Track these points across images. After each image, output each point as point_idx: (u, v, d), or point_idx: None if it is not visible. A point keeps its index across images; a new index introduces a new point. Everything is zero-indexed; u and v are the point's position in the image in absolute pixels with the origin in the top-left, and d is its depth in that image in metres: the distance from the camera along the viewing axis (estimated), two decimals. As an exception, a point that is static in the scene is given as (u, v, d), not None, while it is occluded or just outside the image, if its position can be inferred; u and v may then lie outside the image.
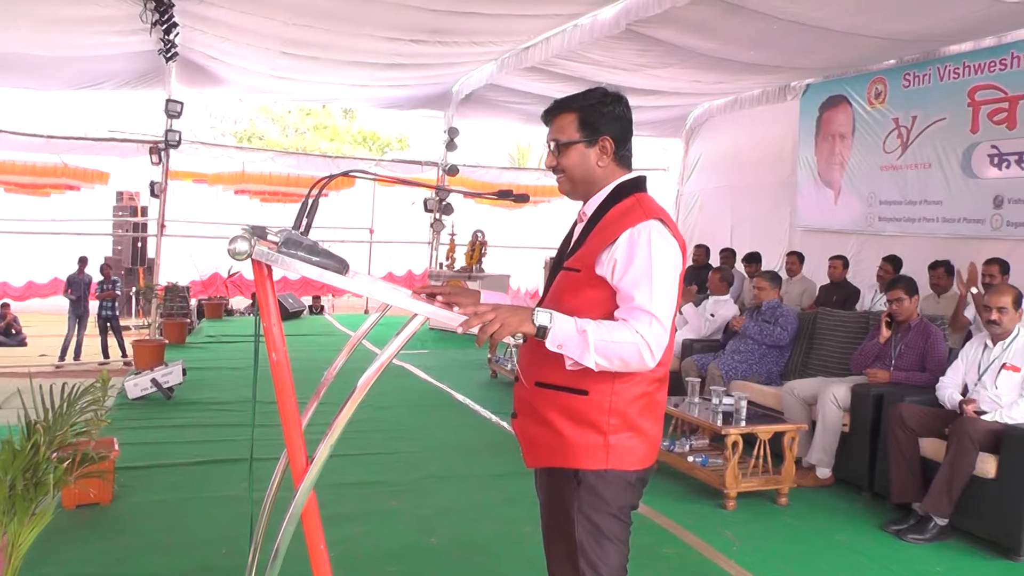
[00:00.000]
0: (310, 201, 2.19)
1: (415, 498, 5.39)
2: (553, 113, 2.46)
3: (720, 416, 5.54)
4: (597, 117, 2.39)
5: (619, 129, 2.41)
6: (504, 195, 2.42)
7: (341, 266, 2.09)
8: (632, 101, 2.51)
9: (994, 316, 5.16)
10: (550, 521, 2.52)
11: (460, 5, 8.79)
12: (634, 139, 2.48)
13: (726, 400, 5.66)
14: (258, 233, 2.13)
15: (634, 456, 2.35)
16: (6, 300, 16.10)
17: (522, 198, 2.41)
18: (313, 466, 2.10)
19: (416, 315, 2.12)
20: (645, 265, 2.21)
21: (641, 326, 2.16)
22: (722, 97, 13.92)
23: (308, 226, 2.16)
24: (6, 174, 14.69)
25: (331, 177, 2.20)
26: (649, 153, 17.24)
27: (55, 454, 2.82)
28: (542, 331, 2.16)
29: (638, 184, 2.43)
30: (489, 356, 9.87)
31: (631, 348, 2.15)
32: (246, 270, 16.43)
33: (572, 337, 2.16)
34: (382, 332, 2.63)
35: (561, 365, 2.24)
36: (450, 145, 15.56)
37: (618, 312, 2.23)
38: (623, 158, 2.44)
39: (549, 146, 2.46)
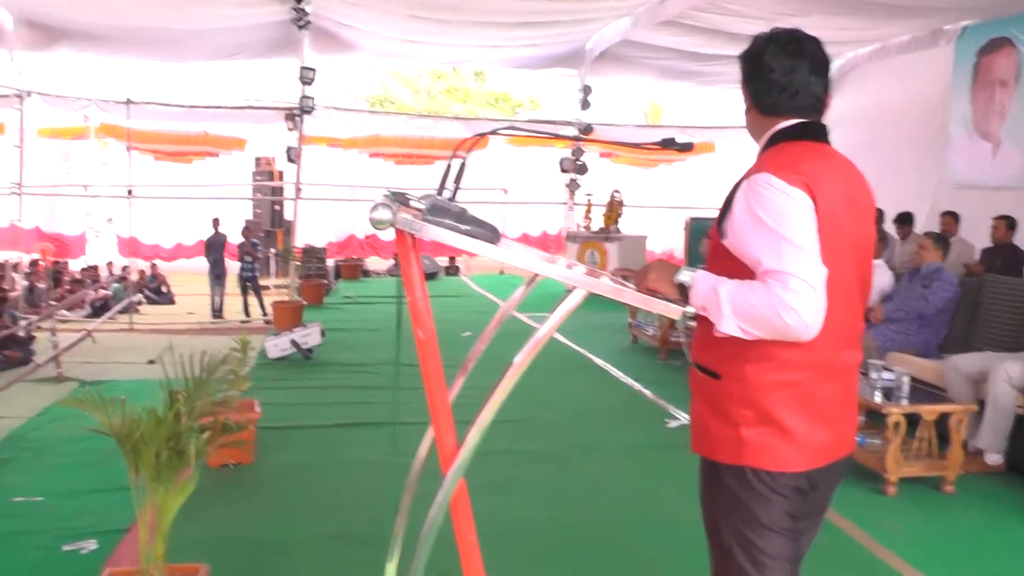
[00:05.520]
0: (455, 163, 2.02)
1: (559, 469, 5.25)
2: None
3: (879, 392, 5.14)
4: (741, 67, 2.20)
5: (750, 73, 2.17)
6: (668, 144, 2.17)
7: (492, 235, 1.92)
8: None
9: None
10: (705, 516, 2.27)
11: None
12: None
13: (885, 375, 5.24)
14: (400, 200, 1.98)
15: (777, 457, 2.04)
16: (155, 261, 16.83)
17: (686, 146, 2.16)
18: (462, 451, 1.96)
19: (575, 288, 1.93)
20: (760, 222, 1.94)
21: (778, 286, 1.86)
22: (868, 45, 13.10)
23: (454, 191, 1.98)
24: (152, 143, 15.51)
25: (480, 136, 2.03)
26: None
27: (196, 423, 2.81)
28: (682, 289, 1.98)
29: (789, 132, 2.14)
30: (629, 320, 9.62)
31: (768, 310, 1.85)
32: (384, 232, 16.65)
33: (710, 296, 1.94)
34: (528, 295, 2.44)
35: (708, 343, 2.04)
36: (584, 104, 15.27)
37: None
38: (772, 105, 2.15)
39: None
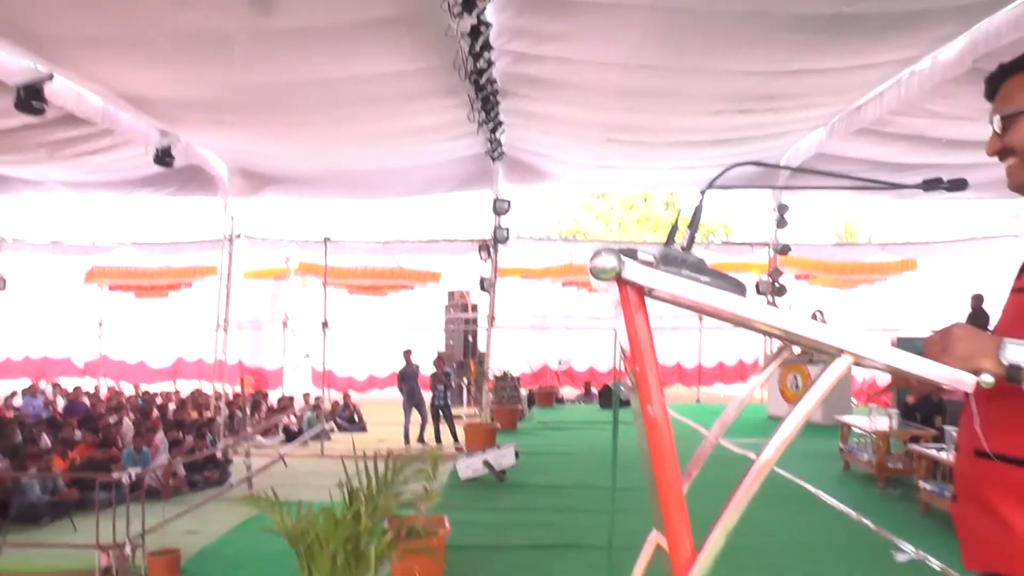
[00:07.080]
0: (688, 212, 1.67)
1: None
2: (999, 79, 1.72)
3: None
4: None
5: None
6: (933, 185, 1.74)
7: (737, 288, 1.55)
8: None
9: None
10: None
11: (789, 63, 8.17)
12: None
13: None
14: (627, 252, 1.64)
15: None
16: (348, 391, 17.18)
17: (959, 184, 1.69)
18: (703, 557, 1.55)
19: (841, 355, 1.51)
20: None
21: None
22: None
23: (691, 240, 1.63)
24: (348, 278, 16.08)
25: (724, 172, 1.69)
26: (994, 218, 15.37)
27: (378, 524, 2.52)
28: (1015, 372, 1.39)
29: None
30: (841, 446, 8.79)
31: None
32: (576, 361, 16.41)
33: None
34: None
35: None
36: (780, 222, 14.67)
37: None
38: None
39: (992, 125, 1.73)
